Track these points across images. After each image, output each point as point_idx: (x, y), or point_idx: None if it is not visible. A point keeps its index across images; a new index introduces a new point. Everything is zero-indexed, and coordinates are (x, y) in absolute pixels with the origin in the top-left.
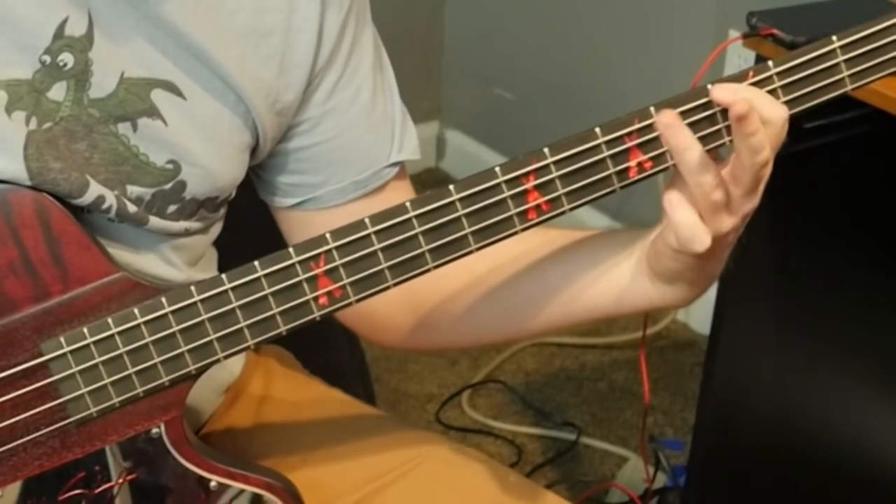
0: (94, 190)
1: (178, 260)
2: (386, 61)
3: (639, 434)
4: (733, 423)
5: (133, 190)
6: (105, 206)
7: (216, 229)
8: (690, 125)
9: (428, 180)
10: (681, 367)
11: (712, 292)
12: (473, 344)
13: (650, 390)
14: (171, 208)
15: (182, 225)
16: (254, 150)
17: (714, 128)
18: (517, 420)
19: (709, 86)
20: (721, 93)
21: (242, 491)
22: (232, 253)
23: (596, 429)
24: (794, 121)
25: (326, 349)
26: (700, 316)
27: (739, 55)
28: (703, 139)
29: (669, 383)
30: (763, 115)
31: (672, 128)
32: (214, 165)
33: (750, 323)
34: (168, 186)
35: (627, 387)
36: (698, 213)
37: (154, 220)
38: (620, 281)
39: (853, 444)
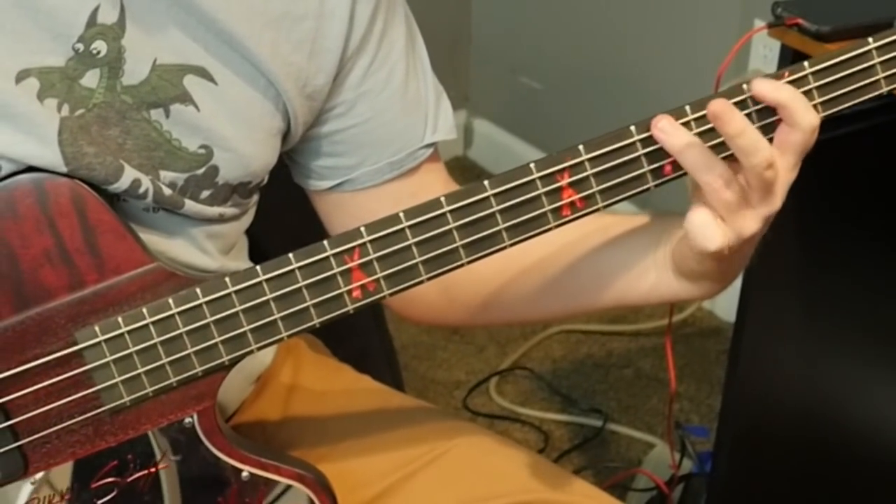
0: (130, 174)
1: (211, 248)
2: (419, 43)
3: (665, 421)
4: (758, 409)
5: (166, 175)
6: (141, 190)
7: (249, 217)
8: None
9: (455, 168)
10: (706, 354)
11: (738, 280)
12: (499, 324)
13: (676, 377)
14: (205, 193)
15: (216, 210)
16: (285, 135)
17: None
18: (544, 406)
19: (744, 85)
20: (761, 87)
21: (274, 481)
22: (262, 242)
23: (622, 415)
24: None
25: (356, 337)
26: (725, 303)
27: (765, 45)
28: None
29: (695, 370)
30: (794, 118)
31: (666, 133)
32: (246, 150)
33: (775, 310)
34: (201, 171)
35: (654, 374)
36: (715, 212)
37: (189, 204)
38: (646, 276)
39: (878, 430)
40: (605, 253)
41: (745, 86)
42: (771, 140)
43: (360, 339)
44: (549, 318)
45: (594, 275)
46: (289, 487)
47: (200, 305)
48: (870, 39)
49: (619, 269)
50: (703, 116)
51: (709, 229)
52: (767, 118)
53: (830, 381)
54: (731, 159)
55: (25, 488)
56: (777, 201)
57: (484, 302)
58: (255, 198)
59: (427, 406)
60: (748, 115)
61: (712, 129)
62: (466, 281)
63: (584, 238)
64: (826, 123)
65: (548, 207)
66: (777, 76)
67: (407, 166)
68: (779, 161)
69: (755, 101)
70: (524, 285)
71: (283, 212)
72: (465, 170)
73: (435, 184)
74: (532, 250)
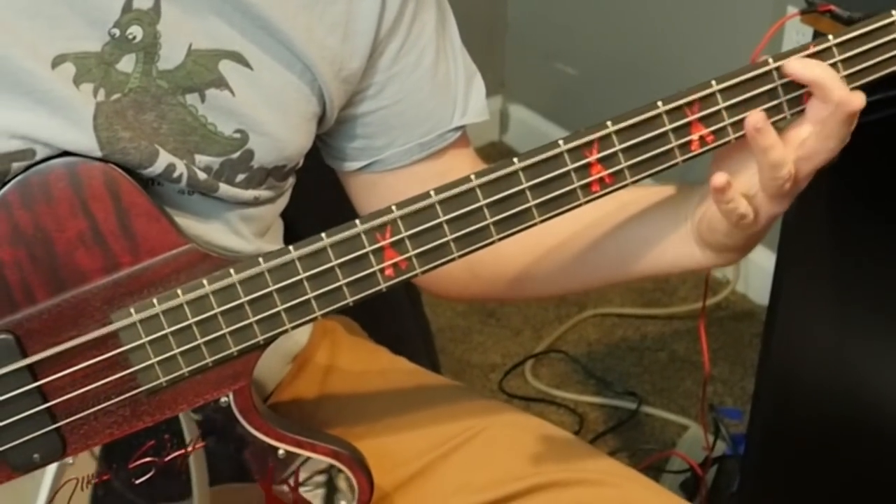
0: (164, 159)
1: (246, 231)
2: (451, 25)
3: (699, 403)
4: (792, 392)
5: (201, 159)
6: (176, 174)
7: (284, 199)
8: (750, 99)
9: (491, 154)
10: (740, 337)
11: (770, 264)
12: (522, 298)
13: (710, 360)
14: (240, 177)
15: (251, 193)
16: (321, 119)
17: (774, 102)
18: (579, 389)
19: (769, 59)
20: (793, 66)
21: (310, 459)
22: (297, 225)
23: (657, 398)
24: None
25: (392, 319)
26: (759, 287)
27: (797, 31)
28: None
29: (729, 353)
30: (827, 95)
31: (760, 130)
32: (281, 134)
33: (807, 294)
34: (236, 155)
35: (688, 356)
36: (760, 195)
37: (224, 188)
38: (671, 249)
39: None
40: (629, 228)
41: (769, 59)
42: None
43: (397, 322)
44: (573, 291)
45: (619, 249)
46: (325, 465)
47: (234, 285)
48: (893, 11)
49: (643, 243)
50: (728, 89)
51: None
52: (794, 92)
53: (863, 364)
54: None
55: (64, 469)
56: (804, 183)
57: (508, 277)
58: (291, 181)
59: (462, 386)
60: (774, 90)
61: (738, 104)
62: (491, 257)
63: (608, 215)
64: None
65: (577, 184)
66: (801, 49)
67: (436, 147)
68: (814, 141)
69: (780, 74)
70: (549, 261)
71: (317, 195)
72: (500, 155)
73: (463, 166)
74: (556, 227)
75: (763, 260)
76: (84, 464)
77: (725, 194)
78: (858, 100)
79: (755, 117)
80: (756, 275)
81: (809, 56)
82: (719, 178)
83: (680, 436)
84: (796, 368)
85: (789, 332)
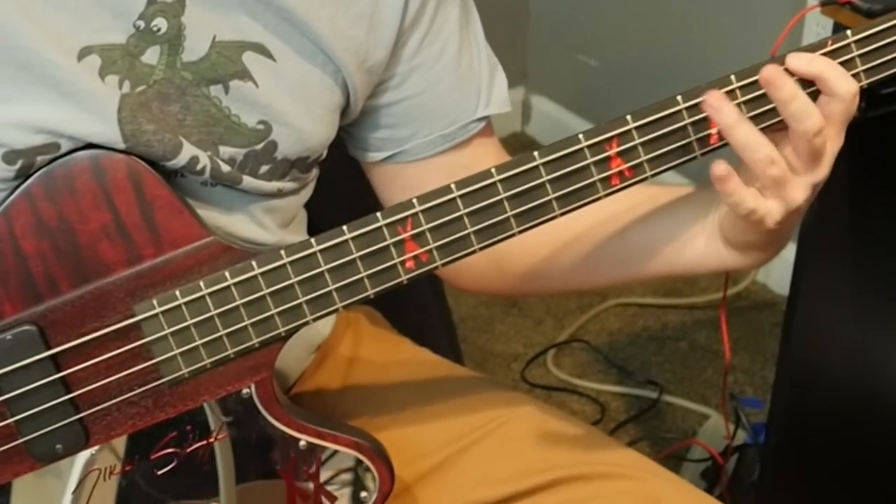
0: (188, 151)
1: (270, 222)
2: (474, 17)
3: (719, 392)
4: (812, 382)
5: (225, 151)
6: (199, 166)
7: (308, 191)
8: (765, 94)
9: (514, 144)
10: (760, 327)
11: (791, 254)
12: (549, 292)
13: (731, 350)
14: (264, 168)
15: (275, 185)
16: (344, 110)
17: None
18: (601, 378)
19: (788, 55)
20: (796, 61)
21: (331, 450)
22: (320, 215)
23: (678, 387)
24: (871, 87)
25: (415, 309)
26: (779, 277)
27: (818, 23)
28: (776, 109)
29: (749, 343)
30: (832, 88)
31: (717, 108)
32: (305, 125)
33: (827, 284)
34: (259, 147)
35: (708, 346)
36: (760, 188)
37: (247, 180)
38: (694, 247)
39: None
40: (654, 222)
41: (786, 56)
42: None
43: (420, 312)
44: (597, 287)
45: (643, 243)
46: (346, 456)
47: (256, 277)
48: None
49: (667, 238)
50: (749, 85)
51: (760, 208)
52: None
53: (883, 353)
54: (772, 131)
55: (87, 459)
56: (824, 170)
57: (533, 271)
58: (315, 172)
59: (485, 378)
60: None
61: (757, 98)
62: (516, 250)
63: (633, 207)
64: (877, 99)
65: (597, 177)
66: (820, 45)
67: (459, 139)
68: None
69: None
70: (573, 254)
71: (340, 186)
72: (523, 146)
73: (487, 157)
74: (581, 219)
75: (784, 250)
76: (106, 455)
77: (727, 185)
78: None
79: (767, 72)
80: (776, 265)
81: (828, 53)
82: (719, 167)
83: (701, 425)
84: (816, 358)
85: (810, 322)
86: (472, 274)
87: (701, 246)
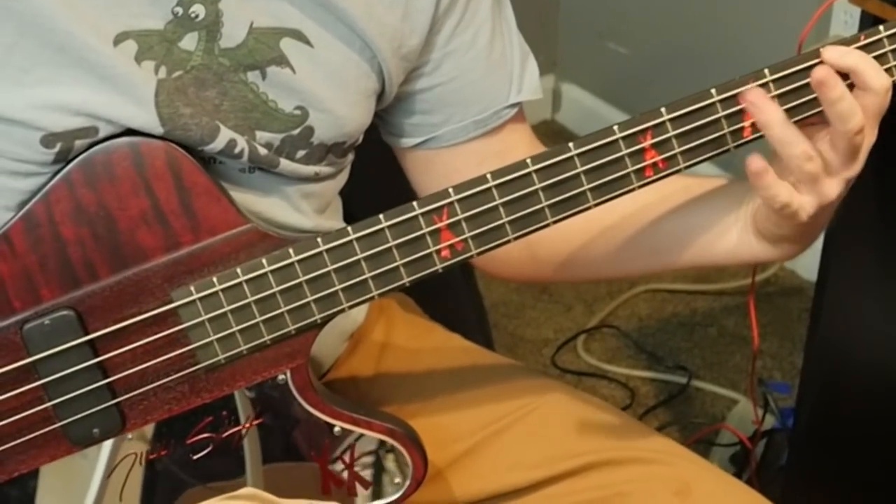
0: (225, 135)
1: (307, 207)
2: (506, 7)
3: (748, 377)
4: (839, 366)
5: (262, 136)
6: (237, 150)
7: (344, 176)
8: (799, 88)
9: (545, 132)
10: (789, 312)
11: (819, 240)
12: (581, 280)
13: (759, 335)
14: (300, 153)
15: (312, 169)
16: (380, 96)
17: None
18: (630, 364)
19: (821, 49)
20: (831, 54)
21: (365, 436)
22: (353, 202)
23: (707, 372)
24: None
25: (447, 296)
26: (807, 263)
27: (845, 11)
28: (809, 103)
29: (778, 328)
30: (865, 81)
31: (757, 105)
32: (341, 111)
33: (855, 270)
34: (296, 132)
35: (737, 332)
36: (795, 182)
37: (285, 163)
38: (726, 238)
39: None
40: (687, 213)
41: (822, 49)
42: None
43: (451, 298)
44: (629, 276)
45: (675, 234)
46: (380, 442)
47: (293, 264)
48: None
49: (699, 229)
50: (782, 79)
51: (794, 203)
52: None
53: None
54: (803, 125)
55: (123, 444)
56: (858, 165)
57: (566, 259)
58: (350, 157)
59: (515, 364)
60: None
61: (790, 93)
62: (550, 239)
63: (666, 198)
64: None
65: (631, 168)
66: (853, 40)
67: (492, 125)
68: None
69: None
70: (606, 243)
71: (374, 173)
72: (553, 133)
73: (520, 143)
74: (615, 209)
75: None
76: (143, 439)
77: (763, 179)
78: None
79: (819, 73)
80: (805, 252)
81: (860, 48)
82: (755, 163)
83: (729, 410)
84: (844, 343)
85: (837, 307)
86: (505, 261)
87: (733, 238)
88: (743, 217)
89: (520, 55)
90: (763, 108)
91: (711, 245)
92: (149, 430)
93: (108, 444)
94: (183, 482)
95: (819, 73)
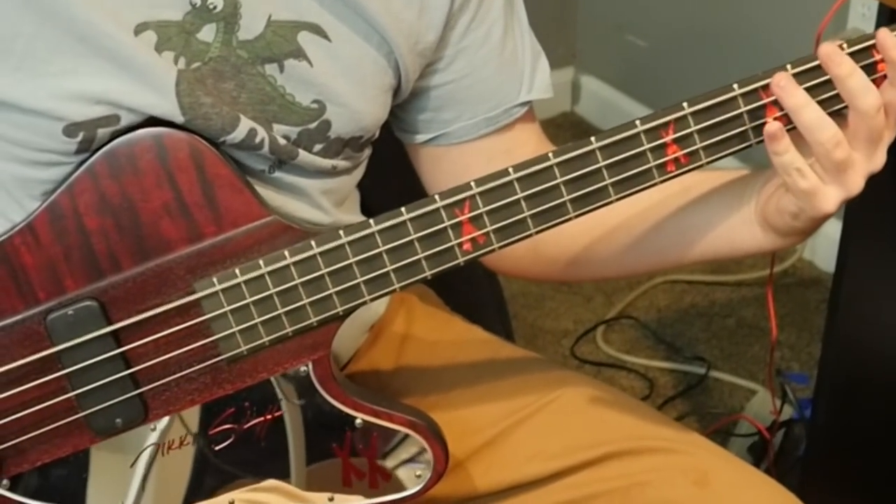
0: (246, 124)
1: (326, 202)
2: (519, 5)
3: (766, 368)
4: (857, 357)
5: (279, 128)
6: (258, 139)
7: (360, 170)
8: (821, 84)
9: (563, 124)
10: (807, 303)
11: (837, 231)
12: (584, 279)
13: (777, 326)
14: (317, 147)
15: (329, 162)
16: (396, 91)
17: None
18: (649, 354)
19: (843, 44)
20: (889, 40)
21: (386, 429)
22: (370, 196)
23: (725, 363)
24: None
25: (468, 287)
26: (825, 254)
27: (863, 3)
28: (831, 99)
29: (796, 319)
30: (892, 55)
31: (785, 89)
32: (358, 105)
33: (873, 261)
34: (313, 126)
35: (755, 322)
36: (822, 173)
37: (303, 154)
38: (730, 232)
39: None
40: (689, 211)
41: (843, 44)
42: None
43: (472, 289)
44: (635, 274)
45: (679, 233)
46: (402, 435)
47: (315, 257)
48: None
49: (703, 226)
50: (805, 72)
51: (819, 193)
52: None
53: None
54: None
55: (145, 434)
56: (880, 157)
57: (572, 259)
58: (367, 151)
59: (535, 356)
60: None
61: (814, 87)
62: (555, 239)
63: (667, 199)
64: None
65: (653, 163)
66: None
67: (502, 122)
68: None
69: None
70: (610, 243)
71: (391, 167)
72: (572, 125)
73: (529, 141)
74: (618, 210)
75: (829, 227)
76: (165, 430)
77: (779, 143)
78: None
79: (824, 49)
80: (823, 242)
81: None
82: (771, 125)
83: (748, 400)
84: (862, 334)
85: (855, 298)
86: (509, 258)
87: (737, 233)
88: (747, 211)
89: (531, 54)
90: (792, 91)
91: (715, 241)
92: (171, 420)
93: (132, 435)
94: (206, 473)
95: (824, 49)
